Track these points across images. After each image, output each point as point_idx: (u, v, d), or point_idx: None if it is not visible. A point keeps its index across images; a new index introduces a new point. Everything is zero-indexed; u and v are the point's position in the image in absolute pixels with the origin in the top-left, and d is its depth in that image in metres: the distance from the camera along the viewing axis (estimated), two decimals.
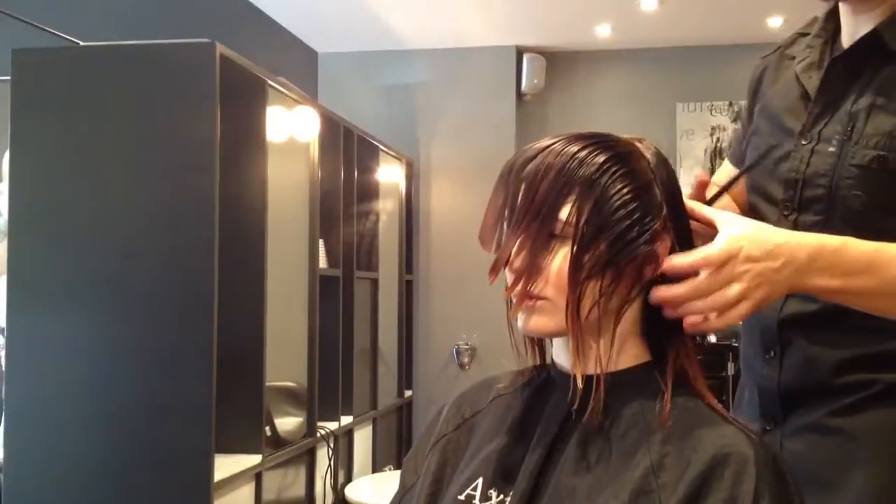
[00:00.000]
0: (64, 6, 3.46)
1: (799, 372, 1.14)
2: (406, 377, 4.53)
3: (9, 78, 2.44)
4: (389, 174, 4.36)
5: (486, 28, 4.63)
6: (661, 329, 0.95)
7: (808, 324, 1.13)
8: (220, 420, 2.37)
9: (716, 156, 4.85)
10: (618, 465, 0.87)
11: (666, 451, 0.86)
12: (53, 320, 2.40)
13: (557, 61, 4.97)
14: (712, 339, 4.21)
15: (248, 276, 2.62)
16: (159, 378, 2.35)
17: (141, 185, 2.41)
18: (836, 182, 1.10)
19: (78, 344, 2.38)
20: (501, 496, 0.92)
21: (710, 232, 0.95)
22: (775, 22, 4.43)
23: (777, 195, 1.18)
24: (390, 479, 3.36)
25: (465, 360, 4.76)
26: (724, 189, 1.11)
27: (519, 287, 0.91)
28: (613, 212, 0.89)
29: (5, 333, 2.48)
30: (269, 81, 2.75)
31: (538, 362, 1.02)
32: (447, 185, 4.86)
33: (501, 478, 0.93)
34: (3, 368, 2.55)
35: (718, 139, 4.87)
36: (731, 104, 4.85)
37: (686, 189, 1.08)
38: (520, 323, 0.93)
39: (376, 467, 3.94)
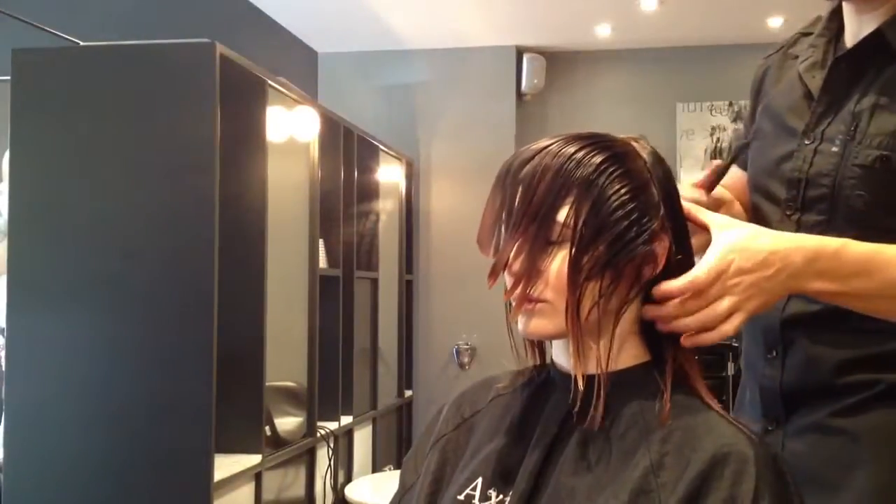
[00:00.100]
0: (64, 6, 3.46)
1: (801, 372, 1.14)
2: (406, 377, 4.53)
3: (9, 78, 2.44)
4: (389, 174, 4.36)
5: (486, 28, 4.63)
6: (658, 329, 0.94)
7: (810, 324, 1.13)
8: (220, 420, 2.37)
9: (716, 156, 4.84)
10: (617, 464, 0.87)
11: (665, 451, 0.86)
12: (53, 320, 2.40)
13: (557, 61, 4.97)
14: None
15: (248, 276, 2.62)
16: (159, 378, 2.35)
17: (141, 185, 2.41)
18: (840, 182, 1.10)
19: (78, 344, 2.38)
20: (501, 496, 0.92)
21: (706, 235, 0.95)
22: (775, 22, 4.43)
23: (780, 195, 1.17)
24: (390, 479, 3.36)
25: (465, 360, 4.76)
26: (715, 179, 1.11)
27: (518, 290, 0.91)
28: (611, 212, 0.89)
29: (5, 333, 2.48)
30: (269, 81, 2.75)
31: (538, 362, 1.02)
32: (447, 185, 4.86)
33: (501, 478, 0.93)
34: (3, 368, 2.55)
35: (718, 139, 4.87)
36: (731, 104, 4.85)
37: (692, 181, 1.09)
38: (520, 326, 0.93)
39: (376, 467, 3.94)
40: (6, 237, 2.47)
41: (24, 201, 2.44)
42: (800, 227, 1.13)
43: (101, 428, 2.35)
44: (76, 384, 2.37)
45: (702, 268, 0.91)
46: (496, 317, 0.94)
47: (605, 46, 4.90)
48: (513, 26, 4.64)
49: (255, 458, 2.59)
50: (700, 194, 1.16)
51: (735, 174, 1.36)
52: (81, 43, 2.55)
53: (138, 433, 2.34)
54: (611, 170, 0.90)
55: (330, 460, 3.26)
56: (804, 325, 1.13)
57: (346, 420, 3.48)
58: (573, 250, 0.89)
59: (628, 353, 0.94)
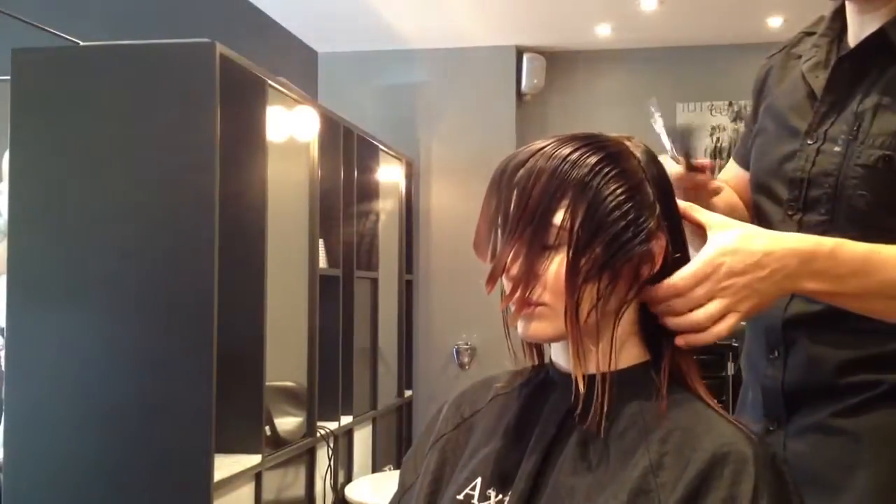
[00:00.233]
0: (64, 6, 3.46)
1: (803, 372, 1.14)
2: (406, 377, 4.53)
3: (9, 78, 2.44)
4: (389, 174, 4.37)
5: (486, 28, 4.63)
6: (658, 329, 0.95)
7: (812, 324, 1.13)
8: (220, 420, 2.37)
9: (716, 156, 4.85)
10: (617, 464, 0.87)
11: (665, 451, 0.86)
12: (53, 320, 2.40)
13: (557, 61, 4.96)
14: None
15: (248, 275, 2.62)
16: (159, 378, 2.35)
17: (141, 185, 2.41)
18: (842, 182, 1.10)
19: (78, 344, 2.38)
20: (500, 496, 0.92)
21: (702, 235, 0.95)
22: (775, 22, 4.43)
23: (782, 195, 1.17)
24: (390, 479, 3.36)
25: (465, 359, 4.76)
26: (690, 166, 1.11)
27: (517, 294, 0.91)
28: (608, 213, 0.89)
29: (5, 333, 2.48)
30: (269, 81, 2.75)
31: (536, 363, 1.02)
32: (447, 185, 4.86)
33: (500, 478, 0.93)
34: (3, 368, 2.55)
35: (718, 139, 4.87)
36: (731, 104, 4.85)
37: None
38: (520, 330, 0.93)
39: (376, 467, 3.94)
40: (6, 237, 2.47)
41: (24, 201, 2.44)
42: (801, 227, 1.13)
43: (101, 428, 2.35)
44: (76, 384, 2.37)
45: (683, 272, 0.92)
46: (496, 317, 0.94)
47: (605, 46, 4.90)
48: (513, 26, 4.64)
49: (255, 458, 2.59)
50: (681, 165, 1.15)
51: (737, 173, 1.36)
52: (81, 43, 2.55)
53: (138, 433, 2.34)
54: (606, 170, 0.90)
55: (330, 460, 3.26)
56: (806, 325, 1.13)
57: (346, 420, 3.48)
58: (570, 253, 0.89)
59: (627, 354, 0.94)
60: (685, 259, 0.94)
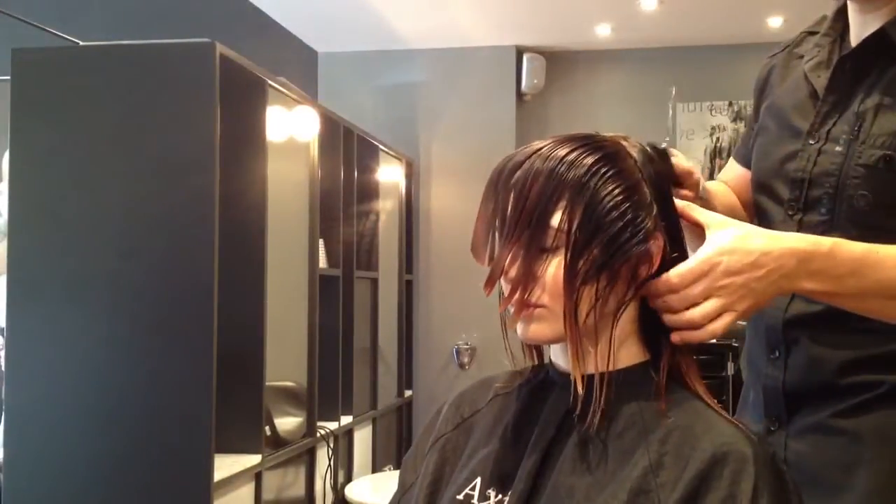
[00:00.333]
0: (64, 6, 3.47)
1: (804, 372, 1.14)
2: (406, 377, 4.53)
3: (9, 78, 2.44)
4: (389, 174, 4.37)
5: (486, 28, 4.63)
6: (657, 328, 0.95)
7: (813, 324, 1.13)
8: (220, 420, 2.37)
9: (716, 156, 4.85)
10: (616, 464, 0.87)
11: (664, 451, 0.86)
12: (53, 320, 2.40)
13: (557, 61, 4.96)
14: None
15: (248, 275, 2.62)
16: (159, 378, 2.35)
17: (141, 184, 2.41)
18: (843, 182, 1.10)
19: (78, 344, 2.38)
20: (500, 496, 0.92)
21: (701, 234, 0.95)
22: (775, 22, 4.43)
23: (783, 195, 1.17)
24: (390, 479, 3.36)
25: (465, 359, 4.76)
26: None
27: (516, 296, 0.90)
28: (605, 214, 0.89)
29: (5, 333, 2.48)
30: (269, 81, 2.75)
31: (536, 363, 1.02)
32: (447, 185, 4.86)
33: (500, 478, 0.93)
34: (3, 368, 2.55)
35: (718, 139, 4.87)
36: (730, 104, 4.85)
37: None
38: (519, 331, 0.93)
39: (376, 467, 3.94)
40: (6, 237, 2.47)
41: (24, 201, 2.44)
42: (802, 227, 1.12)
43: (101, 428, 2.35)
44: (76, 384, 2.37)
45: (680, 268, 0.92)
46: (496, 317, 0.94)
47: (605, 46, 4.90)
48: (513, 26, 4.64)
49: (255, 458, 2.59)
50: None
51: (737, 172, 1.36)
52: (81, 43, 2.55)
53: (138, 433, 2.34)
54: (603, 171, 0.90)
55: (330, 460, 3.26)
56: (807, 325, 1.13)
57: (346, 420, 3.48)
58: (568, 255, 0.89)
59: (626, 353, 0.94)
60: (683, 259, 0.94)
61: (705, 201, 1.18)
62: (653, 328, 0.95)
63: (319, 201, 3.21)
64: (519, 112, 4.89)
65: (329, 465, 3.26)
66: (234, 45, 2.53)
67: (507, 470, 0.93)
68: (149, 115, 2.42)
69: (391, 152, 4.34)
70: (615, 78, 5.00)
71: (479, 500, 0.93)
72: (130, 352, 2.37)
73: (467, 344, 4.75)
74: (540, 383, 1.00)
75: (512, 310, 0.92)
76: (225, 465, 2.45)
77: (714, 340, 4.28)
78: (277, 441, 2.83)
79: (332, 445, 3.26)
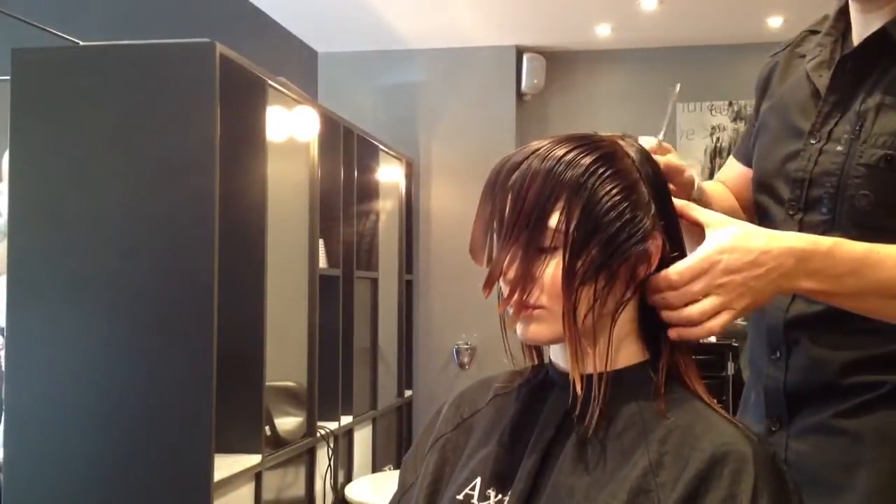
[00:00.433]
0: (64, 6, 3.47)
1: (805, 373, 1.14)
2: (406, 377, 4.53)
3: (9, 78, 2.44)
4: (389, 174, 4.37)
5: (486, 28, 4.63)
6: (656, 328, 0.95)
7: (814, 325, 1.13)
8: (220, 420, 2.37)
9: (716, 156, 4.85)
10: (616, 464, 0.87)
11: (664, 451, 0.86)
12: (53, 320, 2.40)
13: (557, 61, 4.96)
14: (712, 338, 4.22)
15: (248, 275, 2.62)
16: (159, 378, 2.35)
17: (141, 184, 2.41)
18: (844, 181, 1.10)
19: (78, 344, 2.38)
20: (500, 496, 0.92)
21: (700, 233, 0.95)
22: (775, 22, 4.43)
23: (784, 194, 1.17)
24: (390, 479, 3.36)
25: (465, 359, 4.76)
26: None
27: (514, 298, 0.91)
28: (603, 214, 0.89)
29: (5, 333, 2.48)
30: (269, 81, 2.75)
31: (535, 363, 1.02)
32: (447, 185, 4.86)
33: (500, 478, 0.93)
34: (3, 368, 2.55)
35: (718, 139, 4.87)
36: (730, 104, 4.85)
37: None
38: (519, 332, 0.93)
39: (376, 467, 3.94)
40: (6, 237, 2.47)
41: (24, 201, 2.44)
42: (803, 227, 1.12)
43: (101, 428, 2.35)
44: (76, 384, 2.37)
45: (679, 266, 0.92)
46: (496, 316, 0.95)
47: (605, 46, 4.90)
48: (513, 26, 4.64)
49: (255, 458, 2.59)
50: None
51: (737, 171, 1.36)
52: (81, 43, 2.55)
53: (138, 433, 2.34)
54: (601, 170, 0.90)
55: (330, 460, 3.26)
56: (808, 326, 1.13)
57: (346, 420, 3.48)
58: (566, 256, 0.89)
59: (626, 353, 0.94)
60: (682, 258, 0.94)
61: (700, 201, 1.18)
62: (652, 328, 0.95)
63: (319, 201, 3.21)
64: (519, 112, 4.89)
65: (329, 465, 3.26)
66: (234, 45, 2.53)
67: (506, 470, 0.93)
68: (149, 115, 2.42)
69: (391, 152, 4.34)
70: (615, 78, 4.99)
71: (479, 500, 0.93)
72: (130, 352, 2.37)
73: (467, 344, 4.75)
74: (540, 383, 1.00)
75: (511, 310, 0.92)
76: (225, 465, 2.45)
77: (714, 340, 4.31)
78: (277, 441, 2.83)
79: (332, 445, 3.26)
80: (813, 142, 1.15)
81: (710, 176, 4.47)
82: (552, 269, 0.90)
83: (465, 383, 1.11)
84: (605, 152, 0.92)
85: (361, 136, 3.82)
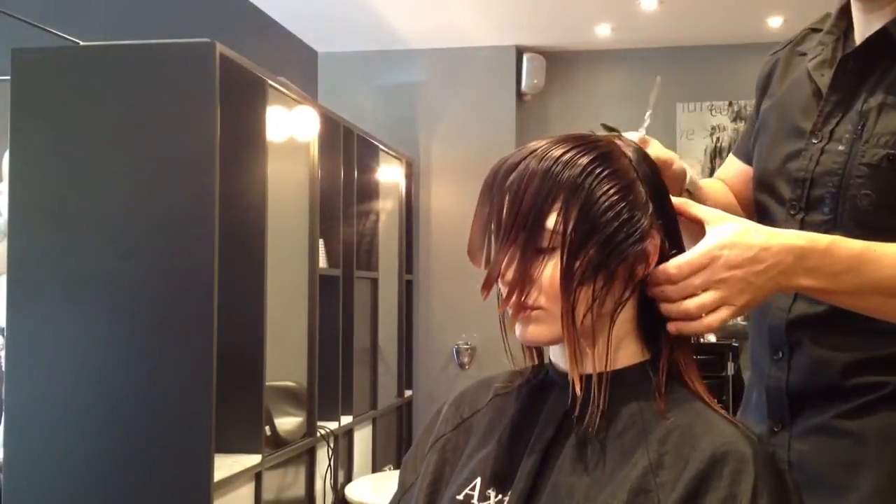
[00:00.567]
0: (64, 6, 3.47)
1: (807, 373, 1.14)
2: (406, 377, 4.53)
3: (9, 78, 2.44)
4: (389, 174, 4.37)
5: (486, 28, 4.63)
6: (656, 327, 0.95)
7: (816, 325, 1.12)
8: (220, 420, 2.37)
9: (716, 155, 4.85)
10: (616, 464, 0.87)
11: (664, 451, 0.86)
12: (53, 320, 2.40)
13: (557, 61, 4.97)
14: (712, 338, 4.21)
15: (248, 275, 2.62)
16: (159, 378, 2.35)
17: (141, 184, 2.41)
18: (846, 181, 1.09)
19: (78, 344, 2.38)
20: (500, 496, 0.92)
21: (700, 231, 0.95)
22: (775, 22, 4.43)
23: (785, 194, 1.17)
24: (390, 479, 3.36)
25: (465, 359, 4.76)
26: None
27: (513, 299, 0.91)
28: (601, 214, 0.89)
29: (5, 333, 2.48)
30: (269, 81, 2.75)
31: (535, 363, 1.02)
32: (447, 185, 4.86)
33: (500, 478, 0.93)
34: (3, 368, 2.55)
35: (718, 139, 4.87)
36: (730, 104, 4.85)
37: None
38: (518, 333, 0.93)
39: (376, 467, 3.94)
40: (6, 237, 2.47)
41: (24, 201, 2.44)
42: (804, 227, 1.12)
43: (101, 428, 2.35)
44: (76, 384, 2.37)
45: (679, 260, 0.92)
46: (496, 316, 0.95)
47: (605, 46, 4.90)
48: (513, 26, 4.64)
49: (255, 458, 2.59)
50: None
51: (737, 169, 1.36)
52: (81, 43, 2.55)
53: (138, 433, 2.34)
54: (598, 171, 0.90)
55: (330, 460, 3.26)
56: (810, 326, 1.13)
57: (346, 420, 3.48)
58: (564, 257, 0.88)
59: (625, 353, 0.94)
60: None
61: (693, 194, 1.18)
62: (652, 327, 0.95)
63: (319, 201, 3.21)
64: (519, 112, 4.89)
65: (329, 465, 3.26)
66: (234, 45, 2.53)
67: (506, 470, 0.93)
68: (149, 115, 2.42)
69: (391, 152, 4.34)
70: (615, 78, 4.99)
71: (479, 500, 0.93)
72: (130, 352, 2.37)
73: (467, 344, 4.75)
74: (540, 383, 1.00)
75: (510, 311, 0.92)
76: (225, 465, 2.45)
77: (714, 340, 4.29)
78: (277, 441, 2.83)
79: (332, 445, 3.26)
80: (815, 141, 1.14)
81: (710, 176, 4.47)
82: (550, 270, 0.90)
83: (465, 383, 1.11)
84: (603, 152, 0.92)
85: (361, 136, 3.82)
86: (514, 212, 0.90)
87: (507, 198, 0.91)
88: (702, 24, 4.56)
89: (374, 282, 4.04)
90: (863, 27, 1.15)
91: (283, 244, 2.96)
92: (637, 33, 4.69)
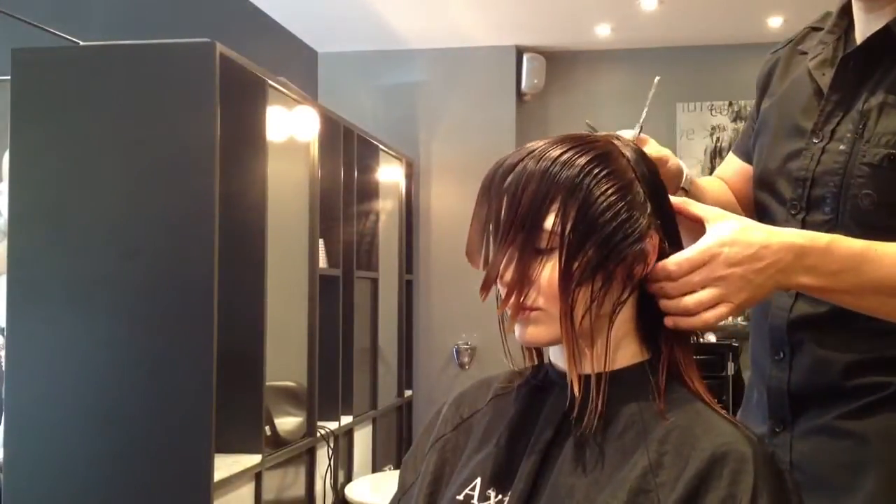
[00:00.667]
0: (64, 6, 3.47)
1: (809, 374, 1.14)
2: (406, 377, 4.53)
3: (9, 78, 2.44)
4: (389, 174, 4.37)
5: (486, 28, 4.63)
6: (655, 327, 0.94)
7: (817, 325, 1.12)
8: (220, 420, 2.37)
9: (716, 155, 4.85)
10: (616, 464, 0.87)
11: (664, 451, 0.86)
12: (53, 320, 2.40)
13: (557, 61, 4.97)
14: (712, 338, 4.21)
15: (248, 275, 2.62)
16: (159, 378, 2.35)
17: (141, 184, 2.41)
18: (847, 181, 1.09)
19: (78, 344, 2.38)
20: (500, 496, 0.92)
21: (700, 229, 0.95)
22: (775, 22, 4.43)
23: (786, 193, 1.17)
24: (390, 479, 3.36)
25: (465, 359, 4.76)
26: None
27: (512, 300, 0.90)
28: (599, 215, 0.89)
29: (5, 333, 2.48)
30: (269, 81, 2.75)
31: (535, 363, 1.02)
32: (447, 185, 4.86)
33: (500, 478, 0.93)
34: (3, 368, 2.55)
35: (718, 139, 4.87)
36: (730, 104, 4.85)
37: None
38: (517, 334, 0.93)
39: (376, 467, 3.94)
40: (6, 237, 2.47)
41: (24, 201, 2.44)
42: (805, 227, 1.12)
43: (101, 428, 2.35)
44: (76, 384, 2.37)
45: (678, 257, 0.92)
46: (496, 317, 0.94)
47: (605, 46, 4.90)
48: (513, 26, 4.64)
49: (255, 458, 2.59)
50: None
51: (737, 167, 1.36)
52: (81, 43, 2.55)
53: (138, 433, 2.34)
54: (596, 171, 0.90)
55: (330, 460, 3.26)
56: (811, 326, 1.13)
57: (346, 420, 3.48)
58: (562, 258, 0.88)
59: (625, 353, 0.94)
60: None
61: (689, 193, 1.18)
62: (651, 327, 0.95)
63: (319, 201, 3.21)
64: (519, 112, 4.89)
65: (329, 465, 3.26)
66: (234, 45, 2.53)
67: (506, 470, 0.93)
68: (149, 115, 2.42)
69: (391, 152, 4.34)
70: (615, 78, 5.00)
71: (479, 501, 0.93)
72: (130, 352, 2.37)
73: (467, 344, 4.75)
74: (539, 383, 1.00)
75: (509, 312, 0.92)
76: (225, 465, 2.45)
77: (714, 340, 4.28)
78: (277, 441, 2.83)
79: (332, 445, 3.26)
80: (815, 141, 1.14)
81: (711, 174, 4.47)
82: (549, 271, 0.89)
83: (465, 383, 1.11)
84: (601, 152, 0.92)
85: (361, 136, 3.82)
86: (513, 213, 0.90)
87: (505, 199, 0.91)
88: (702, 24, 4.56)
89: (374, 282, 4.04)
90: (864, 26, 1.15)
91: (283, 244, 2.96)
92: (637, 33, 4.69)
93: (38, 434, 2.38)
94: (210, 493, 2.31)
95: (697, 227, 0.96)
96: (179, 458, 2.33)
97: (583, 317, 0.89)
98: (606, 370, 0.91)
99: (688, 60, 4.84)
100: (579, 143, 0.92)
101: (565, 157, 0.90)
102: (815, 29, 1.25)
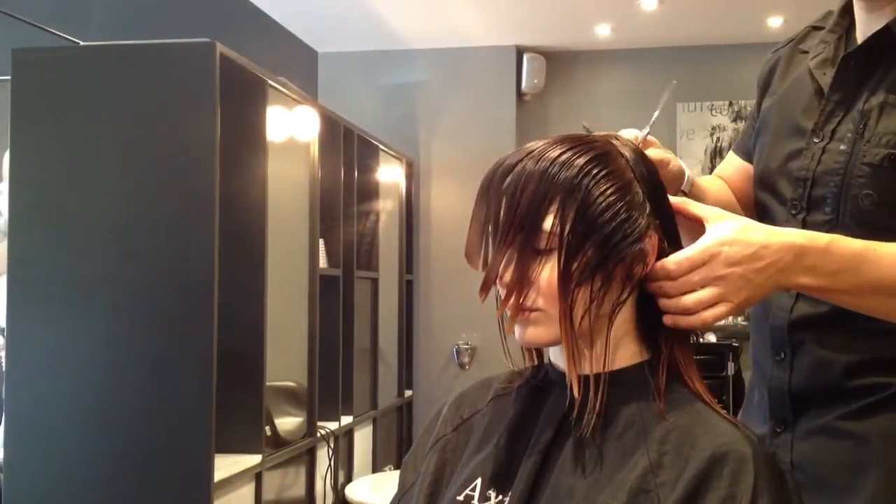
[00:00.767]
0: (64, 6, 3.47)
1: (810, 374, 1.14)
2: (406, 377, 4.53)
3: (9, 78, 2.44)
4: (389, 174, 4.37)
5: (486, 28, 4.63)
6: (655, 327, 0.94)
7: (818, 326, 1.12)
8: (220, 420, 2.37)
9: (716, 155, 4.85)
10: (616, 464, 0.87)
11: (664, 451, 0.86)
12: (54, 320, 2.40)
13: (557, 61, 4.97)
14: (712, 338, 4.21)
15: (249, 275, 2.62)
16: (159, 378, 2.35)
17: (141, 184, 2.41)
18: (848, 181, 1.09)
19: (78, 344, 2.38)
20: (500, 496, 0.92)
21: (700, 229, 0.95)
22: (775, 22, 4.43)
23: (786, 193, 1.17)
24: (390, 479, 3.36)
25: (465, 359, 4.76)
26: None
27: (511, 301, 0.90)
28: (598, 215, 0.89)
29: (5, 333, 2.48)
30: (269, 81, 2.75)
31: (535, 363, 1.02)
32: (447, 185, 4.86)
33: (500, 478, 0.93)
34: (3, 368, 2.55)
35: (718, 139, 4.87)
36: (731, 104, 4.85)
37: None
38: (517, 335, 0.93)
39: (376, 467, 3.94)
40: (6, 237, 2.47)
41: (24, 201, 2.44)
42: (805, 227, 1.12)
43: (101, 428, 2.35)
44: (76, 384, 2.37)
45: (678, 256, 0.92)
46: (496, 317, 0.94)
47: (605, 46, 4.90)
48: (513, 26, 4.64)
49: (255, 458, 2.59)
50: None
51: (737, 166, 1.36)
52: (81, 43, 2.55)
53: (138, 433, 2.34)
54: (595, 171, 0.90)
55: (330, 460, 3.26)
56: (812, 327, 1.13)
57: (346, 420, 3.48)
58: (562, 258, 0.88)
59: (624, 353, 0.94)
60: None
61: (692, 194, 1.18)
62: (651, 327, 0.95)
63: (319, 201, 3.21)
64: (519, 112, 4.89)
65: (329, 465, 3.26)
66: (234, 45, 2.53)
67: (507, 470, 0.93)
68: (149, 115, 2.42)
69: (391, 152, 4.34)
70: (615, 78, 5.00)
71: (479, 501, 0.93)
72: (130, 352, 2.37)
73: (467, 344, 4.75)
74: (539, 384, 1.00)
75: (508, 313, 0.92)
76: (225, 465, 2.45)
77: (714, 340, 4.28)
78: (277, 441, 2.83)
79: (332, 445, 3.26)
80: (816, 140, 1.14)
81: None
82: (548, 272, 0.89)
83: (465, 383, 1.11)
84: (600, 153, 0.91)
85: (361, 136, 3.82)
86: (512, 213, 0.90)
87: (504, 199, 0.91)
88: (702, 24, 4.56)
89: (374, 282, 4.04)
90: (864, 26, 1.15)
91: (283, 244, 2.96)
92: (637, 33, 4.69)
93: (38, 434, 2.38)
94: (210, 494, 2.31)
95: (697, 227, 0.96)
96: (179, 458, 2.33)
97: (582, 317, 0.89)
98: (606, 370, 0.91)
99: (688, 60, 4.84)
100: (578, 143, 0.92)
101: (564, 157, 0.90)
102: (816, 28, 1.25)
